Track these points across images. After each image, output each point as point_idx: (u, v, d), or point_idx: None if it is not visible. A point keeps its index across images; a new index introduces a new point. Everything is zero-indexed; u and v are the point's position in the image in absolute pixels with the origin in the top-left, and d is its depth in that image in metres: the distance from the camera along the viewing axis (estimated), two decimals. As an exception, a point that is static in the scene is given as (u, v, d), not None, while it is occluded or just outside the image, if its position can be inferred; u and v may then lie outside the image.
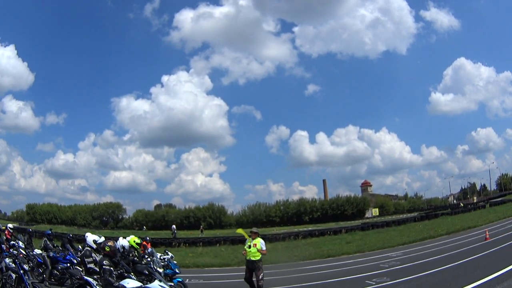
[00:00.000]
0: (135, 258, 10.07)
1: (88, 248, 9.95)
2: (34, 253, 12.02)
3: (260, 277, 9.78)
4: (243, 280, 10.21)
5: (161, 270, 9.76)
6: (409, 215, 57.82)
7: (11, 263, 8.14)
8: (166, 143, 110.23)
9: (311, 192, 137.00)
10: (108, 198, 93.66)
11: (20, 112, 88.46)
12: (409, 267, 13.28)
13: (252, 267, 9.96)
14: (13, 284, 7.92)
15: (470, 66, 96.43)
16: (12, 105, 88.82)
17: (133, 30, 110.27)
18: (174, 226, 46.33)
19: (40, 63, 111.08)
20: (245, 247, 10.27)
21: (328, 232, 32.78)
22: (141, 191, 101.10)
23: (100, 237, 10.85)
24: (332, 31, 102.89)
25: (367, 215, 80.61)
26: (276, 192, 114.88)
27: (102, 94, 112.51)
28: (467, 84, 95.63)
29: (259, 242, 10.15)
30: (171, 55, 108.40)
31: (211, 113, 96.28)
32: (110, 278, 7.18)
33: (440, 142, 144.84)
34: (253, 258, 9.96)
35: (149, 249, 11.73)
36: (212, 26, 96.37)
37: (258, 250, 10.04)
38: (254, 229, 10.53)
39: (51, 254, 11.79)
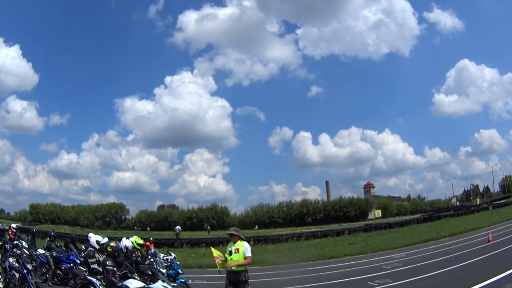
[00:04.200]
0: (138, 259, 10.11)
1: (91, 249, 10.07)
2: (37, 252, 11.95)
3: None
4: None
5: (164, 271, 9.79)
6: (412, 216, 57.70)
7: (14, 263, 8.12)
8: (169, 144, 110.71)
9: (314, 193, 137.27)
10: (111, 199, 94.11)
11: (24, 112, 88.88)
12: (412, 268, 13.24)
13: (235, 280, 7.18)
14: (17, 283, 7.94)
15: (474, 67, 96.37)
16: (16, 105, 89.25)
17: (137, 31, 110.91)
18: (178, 227, 45.34)
19: (45, 64, 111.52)
20: (226, 254, 7.51)
21: (331, 234, 32.84)
22: (144, 191, 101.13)
23: (103, 237, 10.97)
24: (335, 32, 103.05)
25: (370, 216, 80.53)
26: (279, 193, 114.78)
27: (106, 95, 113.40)
28: (471, 86, 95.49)
29: (243, 246, 7.33)
30: (175, 56, 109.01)
31: (215, 114, 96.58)
32: (113, 278, 7.23)
33: (443, 143, 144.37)
34: (236, 269, 7.17)
35: (152, 250, 11.81)
36: (216, 28, 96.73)
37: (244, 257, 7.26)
38: (233, 230, 7.66)
39: (55, 254, 11.81)
